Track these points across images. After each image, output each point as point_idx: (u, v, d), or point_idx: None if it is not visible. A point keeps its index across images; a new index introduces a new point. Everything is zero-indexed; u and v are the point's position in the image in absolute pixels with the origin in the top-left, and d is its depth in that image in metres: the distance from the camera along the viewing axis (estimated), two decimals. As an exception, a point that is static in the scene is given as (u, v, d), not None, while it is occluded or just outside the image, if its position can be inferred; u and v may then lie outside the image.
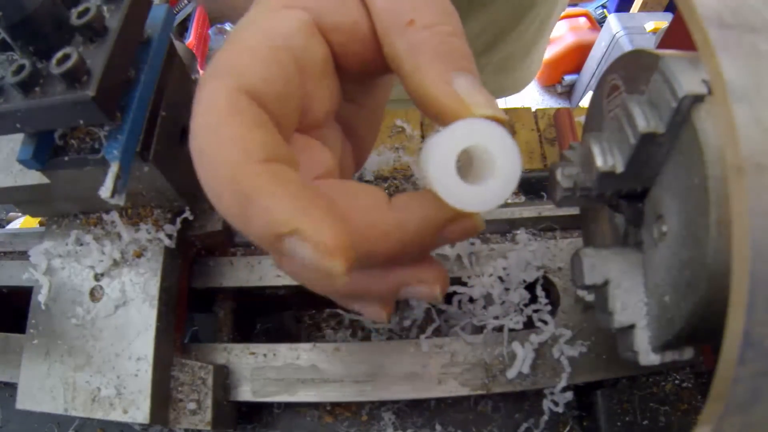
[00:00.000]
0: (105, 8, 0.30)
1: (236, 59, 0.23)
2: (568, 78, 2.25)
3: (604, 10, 2.30)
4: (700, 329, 0.22)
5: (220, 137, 0.21)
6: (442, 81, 0.23)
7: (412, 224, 0.24)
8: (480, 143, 0.21)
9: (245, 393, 0.40)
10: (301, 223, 0.19)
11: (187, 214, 0.40)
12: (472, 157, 0.22)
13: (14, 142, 0.38)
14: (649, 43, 1.87)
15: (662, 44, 0.51)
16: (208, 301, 0.46)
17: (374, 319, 0.31)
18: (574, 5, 2.30)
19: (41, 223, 0.54)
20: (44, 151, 0.32)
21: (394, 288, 0.27)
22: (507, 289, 0.41)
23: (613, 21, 2.01)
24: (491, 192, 0.21)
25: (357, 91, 0.30)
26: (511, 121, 0.58)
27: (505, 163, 0.21)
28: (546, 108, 0.60)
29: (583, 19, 2.24)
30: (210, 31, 2.06)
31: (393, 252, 0.24)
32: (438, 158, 0.21)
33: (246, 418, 0.43)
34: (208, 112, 0.22)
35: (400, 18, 0.24)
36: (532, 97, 2.31)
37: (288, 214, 0.19)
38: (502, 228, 0.44)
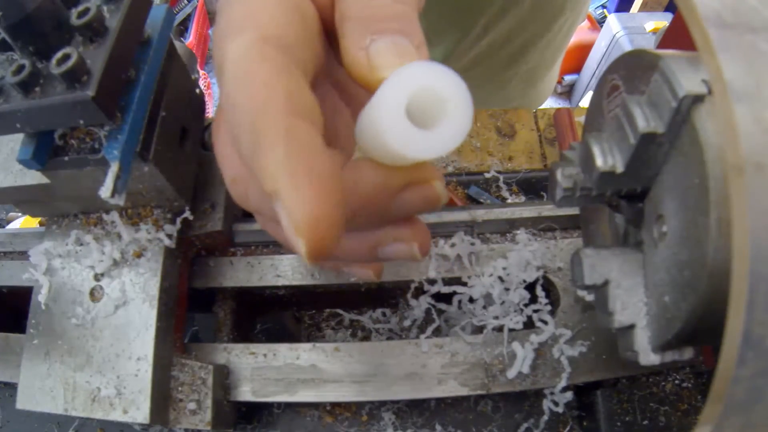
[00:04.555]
0: (105, 8, 0.30)
1: (250, 14, 0.23)
2: (568, 78, 2.25)
3: (604, 10, 2.30)
4: (700, 329, 0.22)
5: (247, 83, 0.21)
6: (356, 47, 0.23)
7: (362, 188, 0.23)
8: (427, 84, 0.20)
9: (245, 393, 0.40)
10: (283, 186, 0.18)
11: (187, 214, 0.40)
12: (422, 103, 0.21)
13: (14, 142, 0.38)
14: (649, 43, 1.87)
15: (662, 44, 0.51)
16: (208, 301, 0.46)
17: (362, 278, 0.30)
18: (574, 5, 2.30)
19: (41, 223, 0.54)
20: (44, 151, 0.32)
21: (370, 248, 0.26)
22: (507, 289, 0.41)
23: (613, 21, 2.01)
24: (444, 134, 0.20)
25: None
26: (511, 121, 0.58)
27: (456, 103, 0.20)
28: (546, 108, 0.60)
29: (583, 19, 2.24)
30: (210, 31, 2.06)
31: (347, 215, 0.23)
32: (386, 108, 0.20)
33: (246, 418, 0.43)
34: (236, 61, 0.22)
35: None
36: (532, 97, 2.31)
37: (276, 171, 0.18)
38: (502, 228, 0.44)
